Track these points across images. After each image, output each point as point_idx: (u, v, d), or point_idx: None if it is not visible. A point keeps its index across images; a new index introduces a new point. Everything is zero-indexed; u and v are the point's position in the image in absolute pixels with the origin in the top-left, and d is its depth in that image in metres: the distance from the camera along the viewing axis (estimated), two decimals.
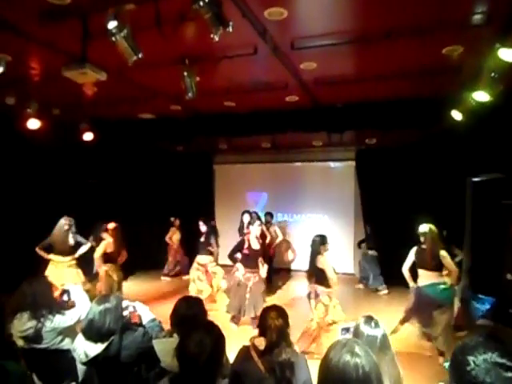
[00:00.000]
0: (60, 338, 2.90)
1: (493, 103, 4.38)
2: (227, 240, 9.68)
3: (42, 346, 2.84)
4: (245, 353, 2.39)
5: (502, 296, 6.23)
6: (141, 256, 9.37)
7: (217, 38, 2.94)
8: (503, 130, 5.60)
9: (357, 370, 1.44)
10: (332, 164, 10.00)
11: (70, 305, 3.07)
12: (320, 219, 9.86)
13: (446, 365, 1.42)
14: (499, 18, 3.26)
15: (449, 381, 1.42)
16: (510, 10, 3.09)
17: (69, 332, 2.92)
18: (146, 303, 2.90)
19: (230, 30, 2.94)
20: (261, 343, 2.33)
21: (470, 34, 3.63)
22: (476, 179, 7.43)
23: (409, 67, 4.59)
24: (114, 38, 3.14)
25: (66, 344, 2.87)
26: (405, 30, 3.64)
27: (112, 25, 3.08)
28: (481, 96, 4.29)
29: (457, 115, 5.10)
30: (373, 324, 2.23)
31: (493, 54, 3.48)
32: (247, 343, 2.45)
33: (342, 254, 9.31)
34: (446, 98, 5.26)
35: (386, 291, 7.97)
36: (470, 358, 1.29)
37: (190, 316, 2.37)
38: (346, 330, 2.47)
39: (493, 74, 3.81)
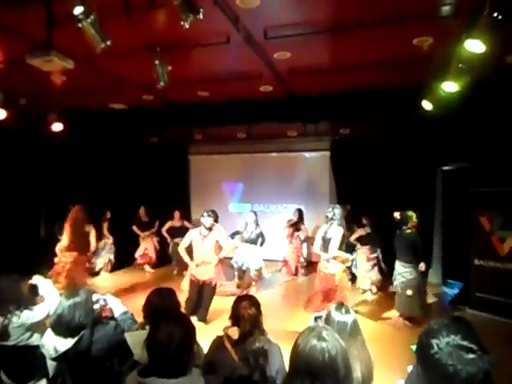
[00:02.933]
0: (28, 334, 2.82)
1: (461, 94, 4.49)
2: None
3: (10, 342, 2.75)
4: (218, 343, 2.40)
5: (470, 281, 6.47)
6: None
7: (187, 26, 2.88)
8: (471, 121, 5.76)
9: (323, 354, 1.46)
10: (307, 154, 10.05)
11: (38, 300, 2.99)
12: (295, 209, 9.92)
13: (414, 347, 1.46)
14: (467, 9, 3.32)
15: (415, 364, 1.46)
16: (477, 1, 3.15)
17: (37, 328, 2.84)
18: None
19: (201, 17, 2.89)
20: (234, 333, 2.34)
21: (439, 25, 3.68)
22: (445, 168, 7.65)
23: (381, 57, 4.63)
24: (80, 24, 3.03)
25: (35, 340, 2.79)
26: (376, 19, 3.66)
27: (78, 10, 2.97)
28: (449, 87, 4.38)
29: (427, 105, 5.20)
30: (343, 310, 2.27)
31: (460, 45, 3.55)
32: (221, 333, 2.45)
33: None
34: (417, 89, 5.35)
35: None
36: (434, 342, 1.32)
37: (163, 308, 2.35)
38: (319, 318, 2.50)
39: (461, 65, 3.89)
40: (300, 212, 8.63)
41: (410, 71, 4.99)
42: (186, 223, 8.79)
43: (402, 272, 5.61)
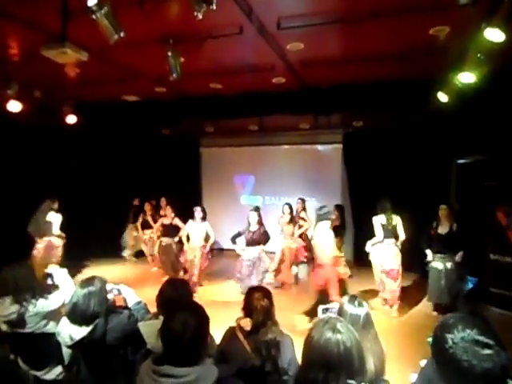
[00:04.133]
0: (44, 322, 2.87)
1: (478, 85, 4.40)
2: (215, 223, 9.70)
3: (26, 330, 2.81)
4: (231, 333, 2.41)
5: (485, 276, 6.38)
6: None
7: (200, 16, 2.87)
8: (487, 113, 5.64)
9: (338, 345, 1.45)
10: (319, 147, 9.98)
11: (53, 288, 3.04)
12: (307, 202, 9.88)
13: (430, 340, 1.44)
14: None
15: (430, 357, 1.45)
16: None
17: (53, 316, 2.89)
18: None
19: (214, 7, 2.87)
20: (247, 324, 2.35)
21: (457, 14, 3.60)
22: (460, 161, 7.53)
23: (396, 48, 4.56)
24: (94, 16, 3.05)
25: (51, 328, 2.84)
26: (392, 9, 3.60)
27: (92, 2, 2.99)
28: (466, 77, 4.30)
29: (443, 97, 5.12)
30: (356, 303, 2.26)
31: (479, 35, 3.47)
32: (233, 324, 2.46)
33: None
34: (432, 80, 5.26)
35: None
36: (449, 336, 1.31)
37: (176, 298, 2.36)
38: (326, 309, 2.50)
39: (479, 55, 3.81)
40: (290, 206, 7.62)
41: (426, 62, 4.90)
42: (177, 221, 7.58)
43: None
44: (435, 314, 5.80)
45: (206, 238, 7.00)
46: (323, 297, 5.05)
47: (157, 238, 8.02)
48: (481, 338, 1.28)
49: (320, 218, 5.41)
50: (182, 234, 7.13)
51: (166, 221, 7.73)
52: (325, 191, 9.58)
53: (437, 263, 5.79)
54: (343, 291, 5.19)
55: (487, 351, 1.25)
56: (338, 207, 8.23)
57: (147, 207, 8.72)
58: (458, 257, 5.69)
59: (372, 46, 4.55)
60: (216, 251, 9.33)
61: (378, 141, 8.55)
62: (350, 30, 4.14)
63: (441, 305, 5.77)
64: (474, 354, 1.25)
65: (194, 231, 6.92)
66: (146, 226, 8.78)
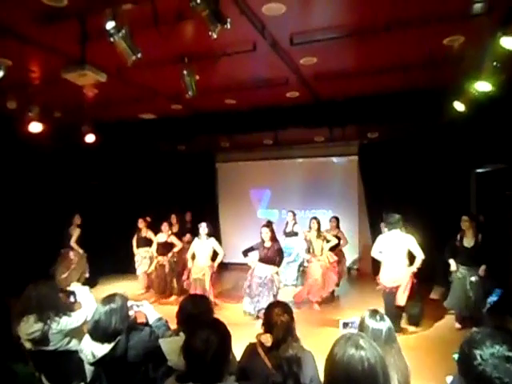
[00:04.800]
0: (67, 339, 2.90)
1: (495, 93, 4.35)
2: (232, 238, 9.73)
3: (50, 347, 2.84)
4: (251, 350, 2.39)
5: (510, 287, 6.20)
6: None
7: (215, 36, 2.93)
8: (506, 120, 5.56)
9: (362, 362, 1.42)
10: (335, 159, 9.96)
11: (76, 306, 3.08)
12: (324, 214, 9.81)
13: (456, 356, 1.41)
14: (500, 6, 3.23)
15: (457, 374, 1.41)
16: None
17: (76, 333, 2.92)
18: None
19: (228, 26, 2.93)
20: (267, 340, 2.32)
21: (471, 23, 3.60)
22: (480, 170, 7.40)
23: (410, 59, 4.56)
24: (112, 39, 3.14)
25: (74, 345, 2.87)
26: (405, 21, 3.61)
27: (110, 25, 3.09)
28: (483, 86, 4.26)
29: (459, 106, 5.08)
30: (378, 317, 2.22)
31: (494, 43, 3.45)
32: (254, 340, 2.44)
33: (347, 249, 9.27)
34: (448, 90, 5.22)
35: None
36: (477, 352, 1.27)
37: (196, 314, 2.36)
38: (347, 324, 2.46)
39: (495, 64, 3.78)
40: (318, 220, 7.11)
41: (441, 72, 4.88)
42: (173, 239, 7.34)
43: None
44: (458, 326, 5.65)
45: (213, 257, 6.62)
46: (391, 301, 5.32)
47: (155, 256, 7.51)
48: (511, 354, 1.24)
49: (391, 226, 5.51)
50: (188, 253, 6.72)
51: (162, 238, 7.41)
52: (341, 203, 9.53)
53: (461, 274, 5.63)
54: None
55: None
56: (336, 219, 8.15)
57: (141, 224, 7.89)
58: (481, 271, 5.52)
59: (386, 58, 4.56)
60: (231, 266, 9.31)
61: (395, 152, 8.48)
62: (363, 42, 4.16)
63: (464, 317, 5.63)
64: (506, 371, 1.22)
65: (200, 249, 6.53)
66: (142, 243, 7.89)
